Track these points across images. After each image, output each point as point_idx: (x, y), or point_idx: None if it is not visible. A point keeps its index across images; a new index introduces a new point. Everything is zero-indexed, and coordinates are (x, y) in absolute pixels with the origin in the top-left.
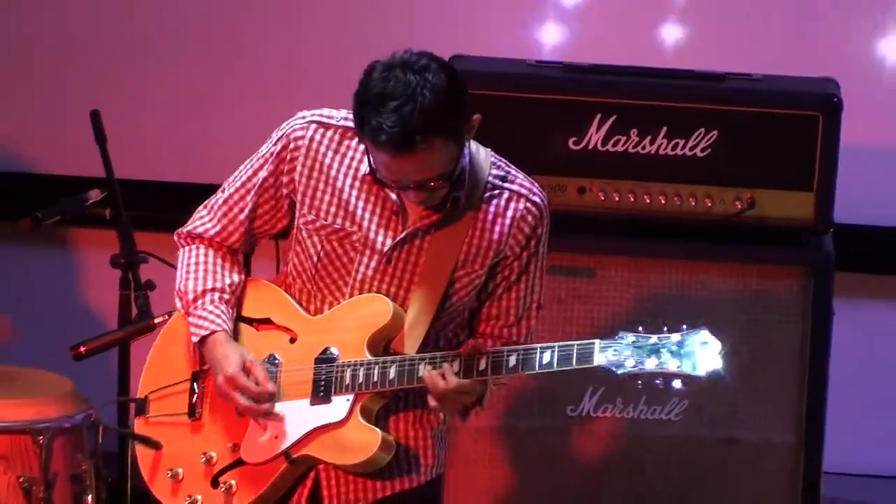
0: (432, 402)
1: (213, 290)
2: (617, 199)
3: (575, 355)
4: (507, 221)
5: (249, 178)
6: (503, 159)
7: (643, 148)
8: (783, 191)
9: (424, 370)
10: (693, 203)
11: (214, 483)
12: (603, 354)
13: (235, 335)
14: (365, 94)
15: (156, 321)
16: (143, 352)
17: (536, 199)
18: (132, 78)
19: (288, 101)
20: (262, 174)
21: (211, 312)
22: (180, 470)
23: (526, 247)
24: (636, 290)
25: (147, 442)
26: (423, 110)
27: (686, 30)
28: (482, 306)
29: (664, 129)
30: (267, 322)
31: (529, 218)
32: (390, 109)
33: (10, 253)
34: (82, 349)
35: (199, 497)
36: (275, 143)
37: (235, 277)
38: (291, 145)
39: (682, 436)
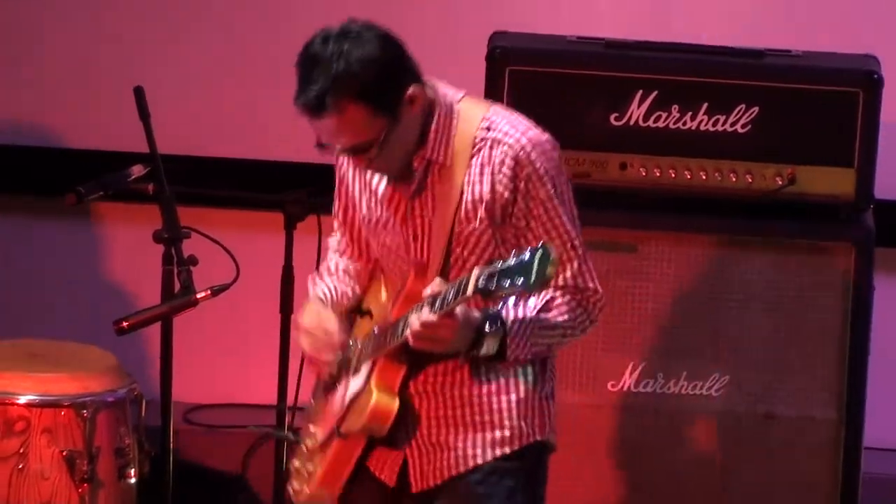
0: (411, 342)
1: (321, 273)
2: (658, 174)
3: (461, 287)
4: (490, 169)
5: (335, 190)
6: (500, 110)
7: (684, 124)
8: (824, 167)
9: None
10: (734, 179)
11: (305, 468)
12: (477, 282)
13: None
14: (298, 59)
15: (198, 296)
16: (186, 327)
17: (511, 139)
18: (175, 53)
19: None
20: (336, 184)
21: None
22: (297, 464)
23: (516, 189)
24: (677, 265)
25: (285, 437)
26: (336, 76)
27: (727, 6)
28: None
29: (705, 105)
30: (367, 311)
31: (507, 160)
32: (309, 74)
33: (54, 228)
34: (125, 324)
35: (298, 485)
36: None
37: (352, 265)
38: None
39: (722, 411)
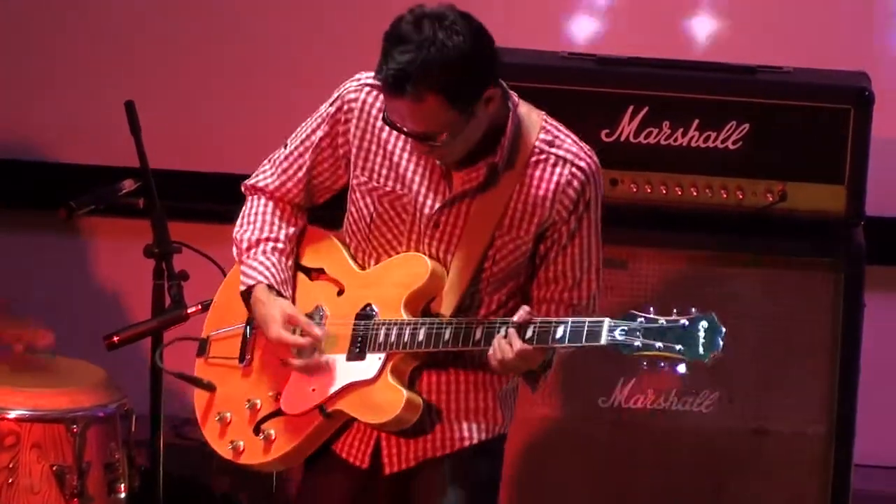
0: (493, 365)
1: (268, 239)
2: (649, 190)
3: (585, 331)
4: (552, 187)
5: (308, 136)
6: (556, 123)
7: (675, 140)
8: (814, 183)
9: (480, 333)
10: (724, 195)
11: (256, 430)
12: (612, 333)
13: (292, 282)
14: (387, 32)
15: (189, 311)
16: (177, 342)
17: (582, 163)
18: (167, 68)
19: (322, 89)
20: (319, 134)
21: (261, 263)
22: (228, 414)
23: (573, 211)
24: (668, 281)
25: (201, 384)
26: (423, 62)
27: (718, 22)
28: (537, 271)
29: (696, 121)
30: (320, 272)
31: (575, 183)
32: (398, 52)
33: (44, 242)
34: (115, 339)
35: (241, 443)
36: (331, 104)
37: (292, 229)
38: (345, 107)
39: (713, 427)
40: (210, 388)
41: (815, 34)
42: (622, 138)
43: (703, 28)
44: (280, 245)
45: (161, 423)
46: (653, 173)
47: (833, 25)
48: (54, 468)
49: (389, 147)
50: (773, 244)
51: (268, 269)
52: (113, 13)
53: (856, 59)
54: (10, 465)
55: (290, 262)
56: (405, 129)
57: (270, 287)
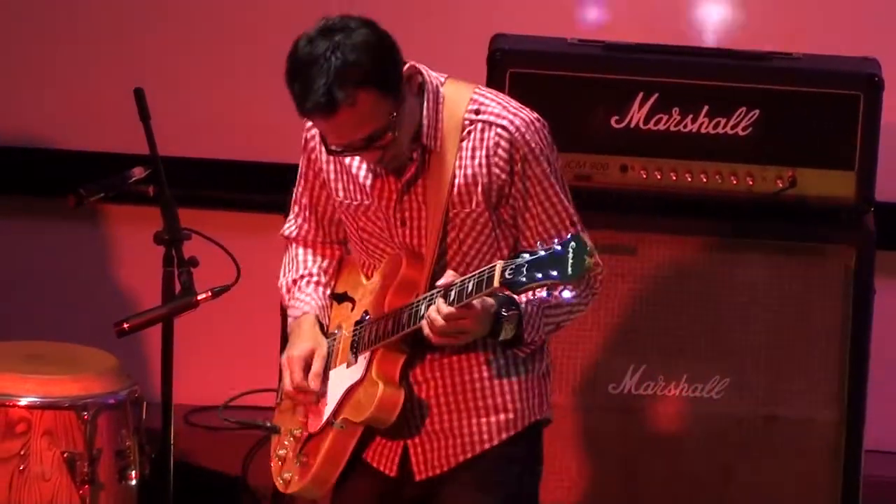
0: (432, 339)
1: (302, 276)
2: (659, 177)
3: (485, 280)
4: (484, 152)
5: (300, 174)
6: (486, 91)
7: (685, 126)
8: (824, 169)
9: (425, 308)
10: (734, 181)
11: (297, 458)
12: (504, 275)
13: (329, 310)
14: (289, 68)
15: (199, 298)
16: (187, 328)
17: (505, 121)
18: (176, 55)
19: None
20: (303, 167)
21: (299, 300)
22: (283, 451)
23: (512, 171)
24: (677, 268)
25: (264, 428)
26: (339, 69)
27: (728, 9)
28: (519, 242)
29: (706, 107)
30: (345, 296)
31: (502, 143)
32: (309, 77)
33: (54, 229)
34: (126, 326)
35: (289, 474)
36: (303, 137)
37: (325, 261)
38: (308, 135)
39: (723, 413)
40: (275, 430)
41: (825, 20)
42: (632, 125)
43: (712, 14)
44: (315, 278)
45: (171, 410)
46: (663, 160)
47: (843, 11)
48: (65, 455)
49: (347, 162)
50: (783, 230)
51: (307, 304)
52: None
53: (866, 45)
54: (22, 452)
55: (327, 292)
56: (353, 146)
57: (316, 318)
